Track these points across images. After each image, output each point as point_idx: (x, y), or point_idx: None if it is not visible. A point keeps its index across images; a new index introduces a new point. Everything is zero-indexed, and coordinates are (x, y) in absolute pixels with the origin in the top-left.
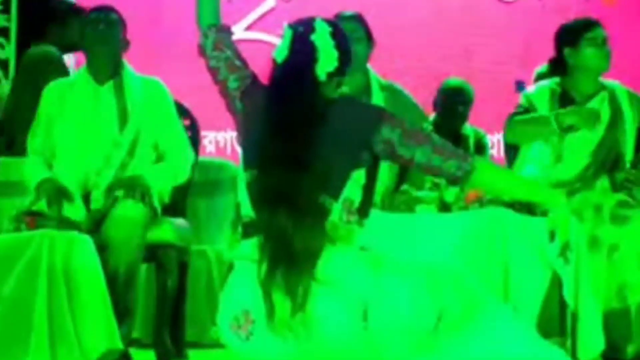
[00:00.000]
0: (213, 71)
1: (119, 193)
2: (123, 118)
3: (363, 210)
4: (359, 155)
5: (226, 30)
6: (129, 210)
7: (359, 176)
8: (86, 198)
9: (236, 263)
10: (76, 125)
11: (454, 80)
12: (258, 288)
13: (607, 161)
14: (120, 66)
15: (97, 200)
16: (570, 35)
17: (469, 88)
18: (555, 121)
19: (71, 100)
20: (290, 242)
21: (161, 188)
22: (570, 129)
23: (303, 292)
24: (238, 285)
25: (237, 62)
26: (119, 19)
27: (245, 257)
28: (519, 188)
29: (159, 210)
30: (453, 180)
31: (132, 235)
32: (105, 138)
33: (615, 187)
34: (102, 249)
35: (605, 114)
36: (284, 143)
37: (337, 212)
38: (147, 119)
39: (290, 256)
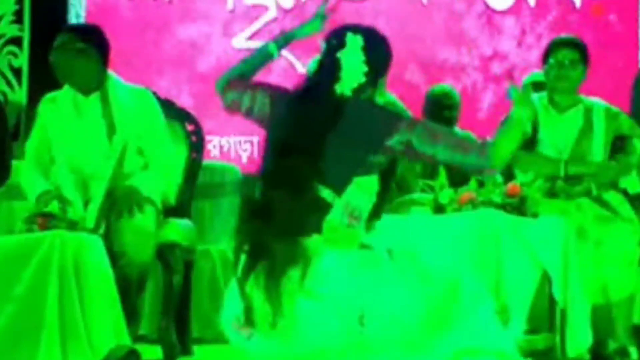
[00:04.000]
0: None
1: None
2: (111, 129)
3: (377, 214)
4: (372, 158)
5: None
6: (141, 219)
7: (368, 183)
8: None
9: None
10: (66, 137)
11: (439, 86)
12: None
13: None
14: (104, 77)
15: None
16: (544, 54)
17: (454, 93)
18: (564, 169)
19: (60, 111)
20: (282, 228)
21: (154, 195)
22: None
23: (278, 295)
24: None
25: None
26: (95, 34)
27: None
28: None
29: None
30: (478, 172)
31: (145, 243)
32: (94, 149)
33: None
34: (112, 253)
35: (577, 127)
36: (299, 137)
37: (337, 214)
38: (134, 127)
39: (271, 251)
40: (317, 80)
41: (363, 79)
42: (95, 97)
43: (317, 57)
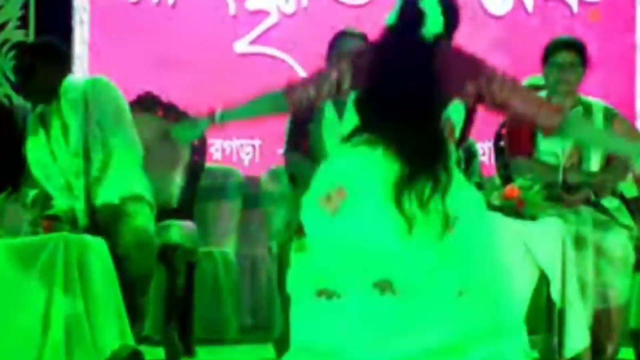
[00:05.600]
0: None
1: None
2: (64, 128)
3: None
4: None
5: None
6: (139, 220)
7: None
8: None
9: (337, 149)
10: (35, 146)
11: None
12: (355, 168)
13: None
14: (58, 85)
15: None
16: (543, 56)
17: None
18: (562, 176)
19: (31, 124)
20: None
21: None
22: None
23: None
24: (335, 164)
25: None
26: (47, 49)
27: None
28: (607, 140)
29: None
30: (546, 129)
31: (147, 244)
32: (59, 151)
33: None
34: (115, 255)
35: None
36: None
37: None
38: (92, 117)
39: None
40: (402, 26)
41: (441, 27)
42: (55, 105)
43: (393, 11)
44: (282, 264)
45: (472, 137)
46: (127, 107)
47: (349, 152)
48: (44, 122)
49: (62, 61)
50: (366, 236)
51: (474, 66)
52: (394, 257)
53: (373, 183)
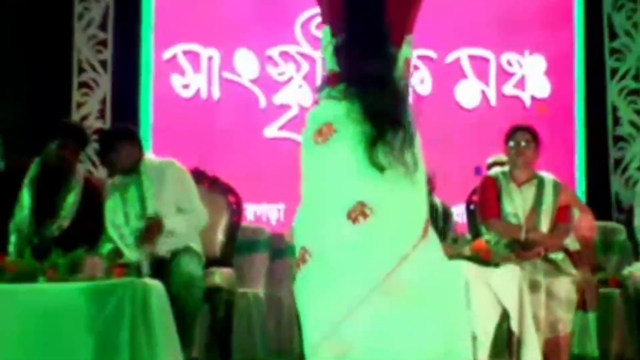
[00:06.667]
0: None
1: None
2: (142, 198)
3: None
4: None
5: None
6: (192, 267)
7: None
8: None
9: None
10: (113, 209)
11: None
12: (341, 112)
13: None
14: (137, 162)
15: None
16: (505, 138)
17: (428, 170)
18: (524, 234)
19: (110, 190)
20: None
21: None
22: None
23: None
24: (325, 107)
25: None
26: (127, 132)
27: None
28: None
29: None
30: None
31: (195, 286)
32: (135, 217)
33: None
34: (171, 295)
35: (531, 199)
36: None
37: None
38: (165, 190)
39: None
40: None
41: None
42: (133, 176)
43: None
44: None
45: (448, 202)
46: (193, 182)
47: (336, 99)
48: (121, 191)
49: (138, 142)
50: (348, 166)
51: None
52: (369, 185)
53: (354, 130)
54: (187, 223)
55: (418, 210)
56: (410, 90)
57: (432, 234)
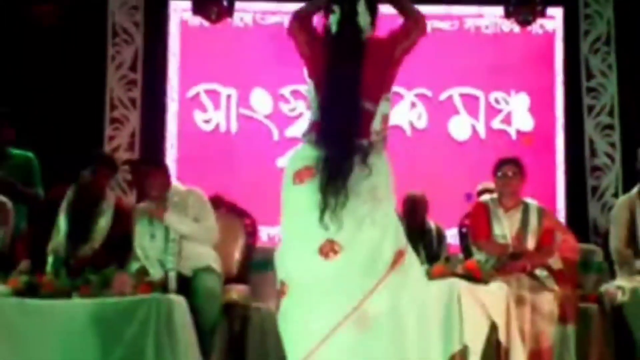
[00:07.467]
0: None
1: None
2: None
3: None
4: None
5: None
6: (211, 284)
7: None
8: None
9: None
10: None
11: (412, 192)
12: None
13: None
14: (167, 190)
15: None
16: (493, 169)
17: (423, 196)
18: (510, 251)
19: (139, 216)
20: None
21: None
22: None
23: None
24: (306, 150)
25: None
26: (157, 162)
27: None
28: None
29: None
30: None
31: (214, 301)
32: (160, 238)
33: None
34: (192, 309)
35: (517, 223)
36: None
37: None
38: (190, 215)
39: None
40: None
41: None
42: (160, 202)
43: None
44: None
45: (442, 225)
46: (211, 208)
47: (314, 144)
48: (148, 215)
49: (167, 171)
50: (318, 207)
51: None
52: (336, 227)
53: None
54: (199, 229)
55: (379, 249)
56: (386, 143)
57: (410, 259)
